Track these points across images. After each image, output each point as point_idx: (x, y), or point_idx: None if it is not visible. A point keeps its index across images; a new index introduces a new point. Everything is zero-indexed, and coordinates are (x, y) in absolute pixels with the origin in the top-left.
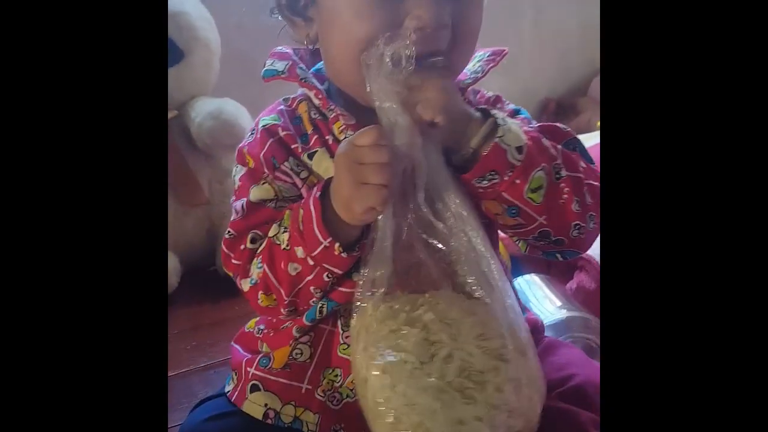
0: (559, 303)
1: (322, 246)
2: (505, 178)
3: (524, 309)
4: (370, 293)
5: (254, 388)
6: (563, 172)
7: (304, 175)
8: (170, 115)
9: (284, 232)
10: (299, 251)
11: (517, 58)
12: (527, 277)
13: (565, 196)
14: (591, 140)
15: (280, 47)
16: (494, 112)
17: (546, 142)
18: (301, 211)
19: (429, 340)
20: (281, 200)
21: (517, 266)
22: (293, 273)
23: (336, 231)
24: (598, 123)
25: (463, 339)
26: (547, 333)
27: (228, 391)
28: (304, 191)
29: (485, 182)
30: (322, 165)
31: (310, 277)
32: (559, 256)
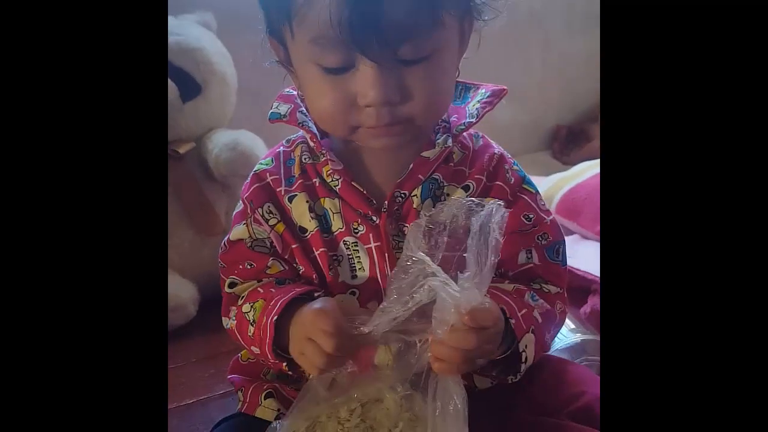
0: (573, 326)
1: (273, 361)
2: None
3: None
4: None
5: (269, 395)
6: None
7: (272, 222)
8: (188, 147)
9: (252, 324)
10: (257, 351)
11: (526, 88)
12: None
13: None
14: None
15: (287, 89)
16: (523, 356)
17: (545, 333)
18: (264, 319)
19: None
20: (255, 240)
21: None
22: (256, 352)
23: (286, 351)
24: None
25: None
26: (562, 356)
27: (238, 408)
28: (272, 236)
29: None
30: (299, 208)
31: (270, 363)
32: None
